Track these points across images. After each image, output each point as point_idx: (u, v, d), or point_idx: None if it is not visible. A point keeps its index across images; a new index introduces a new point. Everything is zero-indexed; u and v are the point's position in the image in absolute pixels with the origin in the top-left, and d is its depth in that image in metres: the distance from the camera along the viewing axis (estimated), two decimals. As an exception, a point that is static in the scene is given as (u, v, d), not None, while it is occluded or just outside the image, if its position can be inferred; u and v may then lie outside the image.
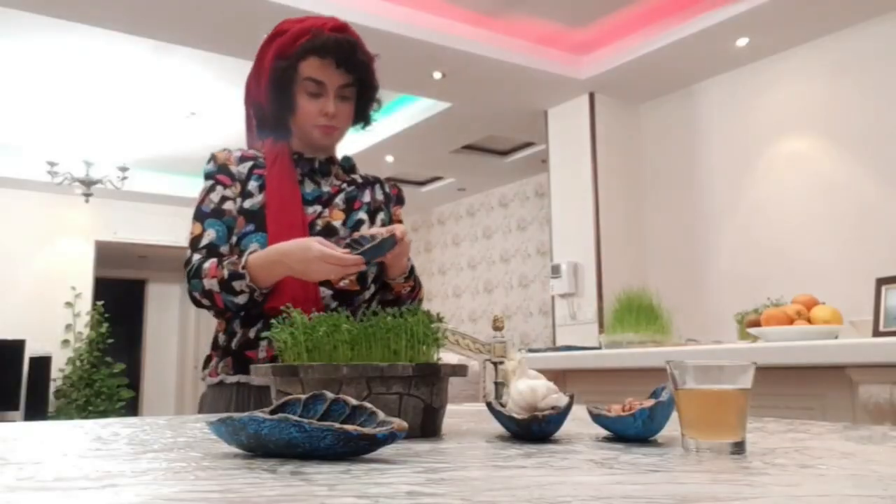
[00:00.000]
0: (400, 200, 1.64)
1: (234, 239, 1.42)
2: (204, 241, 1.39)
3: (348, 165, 1.60)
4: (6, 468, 0.54)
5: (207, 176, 1.46)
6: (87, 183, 6.49)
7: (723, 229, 4.54)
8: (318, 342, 0.77)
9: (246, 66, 1.54)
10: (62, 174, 6.41)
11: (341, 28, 1.44)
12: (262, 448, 0.58)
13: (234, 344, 1.40)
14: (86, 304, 7.77)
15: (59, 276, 7.63)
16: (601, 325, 4.42)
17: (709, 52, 4.32)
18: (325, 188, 1.51)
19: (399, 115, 5.57)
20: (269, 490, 0.43)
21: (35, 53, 4.91)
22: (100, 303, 7.77)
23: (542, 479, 0.47)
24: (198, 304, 1.37)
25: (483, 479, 0.48)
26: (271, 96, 1.44)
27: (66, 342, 7.62)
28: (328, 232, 1.44)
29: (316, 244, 1.25)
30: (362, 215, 1.52)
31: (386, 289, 1.49)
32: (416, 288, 1.51)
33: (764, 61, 4.39)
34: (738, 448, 0.61)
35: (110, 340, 7.78)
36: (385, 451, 0.60)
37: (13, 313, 7.27)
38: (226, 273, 1.32)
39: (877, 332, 2.42)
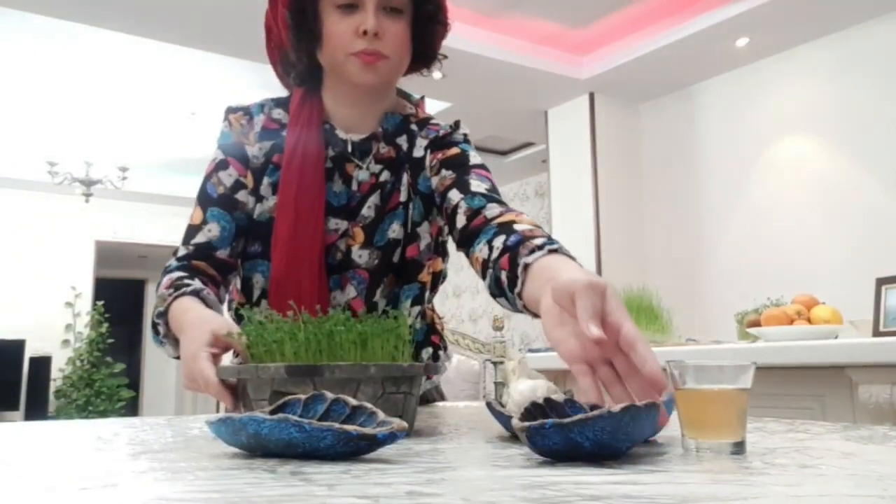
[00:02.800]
0: (442, 144, 1.10)
1: (240, 245, 1.08)
2: (200, 238, 1.05)
3: (393, 125, 1.12)
4: (6, 468, 0.54)
5: (220, 147, 1.10)
6: (88, 183, 6.50)
7: (723, 229, 4.54)
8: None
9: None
10: (62, 174, 6.42)
11: None
12: (262, 448, 0.58)
13: None
14: (86, 304, 7.78)
15: (59, 276, 7.64)
16: (601, 325, 4.41)
17: (709, 53, 4.32)
18: (357, 181, 1.08)
19: (399, 116, 5.56)
20: (269, 490, 0.43)
21: (35, 54, 4.91)
22: (100, 303, 7.79)
23: (542, 478, 0.47)
24: None
25: (483, 478, 0.48)
26: (290, 24, 1.04)
27: (66, 342, 7.63)
28: (345, 265, 1.07)
29: (203, 350, 0.82)
30: (395, 230, 1.08)
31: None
32: None
33: (764, 61, 4.39)
34: (738, 448, 0.61)
35: (110, 340, 7.80)
36: (385, 451, 0.60)
37: (13, 313, 7.29)
38: (154, 308, 0.99)
39: (877, 332, 2.41)
